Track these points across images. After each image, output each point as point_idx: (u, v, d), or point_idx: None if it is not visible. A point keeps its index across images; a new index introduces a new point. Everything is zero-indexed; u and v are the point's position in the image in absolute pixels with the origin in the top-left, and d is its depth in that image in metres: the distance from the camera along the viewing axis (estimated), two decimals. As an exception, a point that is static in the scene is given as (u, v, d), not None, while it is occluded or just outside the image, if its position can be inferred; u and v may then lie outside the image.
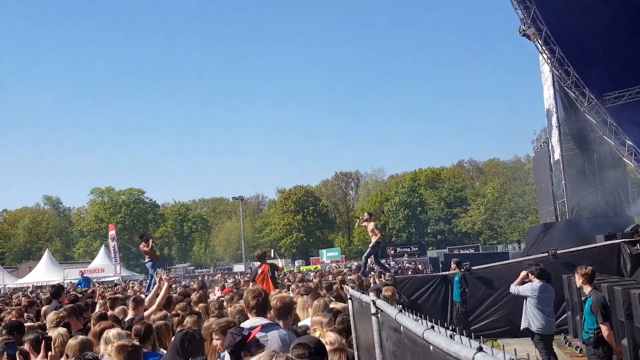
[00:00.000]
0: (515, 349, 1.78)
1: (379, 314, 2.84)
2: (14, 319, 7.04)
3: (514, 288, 8.13)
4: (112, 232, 37.43)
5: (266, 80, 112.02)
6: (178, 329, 5.08)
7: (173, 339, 4.37)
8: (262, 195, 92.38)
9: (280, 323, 4.31)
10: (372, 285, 9.58)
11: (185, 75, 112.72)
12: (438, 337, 1.60)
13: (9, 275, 44.13)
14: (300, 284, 10.74)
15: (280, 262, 13.14)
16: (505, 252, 40.37)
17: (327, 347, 3.38)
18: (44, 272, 40.15)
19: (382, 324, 2.79)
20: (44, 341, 4.17)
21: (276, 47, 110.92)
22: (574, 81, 18.09)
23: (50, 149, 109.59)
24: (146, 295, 7.88)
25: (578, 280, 7.07)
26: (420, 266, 26.46)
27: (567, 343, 10.65)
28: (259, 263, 11.11)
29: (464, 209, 65.08)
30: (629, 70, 17.75)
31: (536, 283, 7.73)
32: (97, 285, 22.53)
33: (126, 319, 6.27)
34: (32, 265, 49.64)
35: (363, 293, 3.59)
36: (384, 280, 10.86)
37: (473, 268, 12.72)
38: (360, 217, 14.53)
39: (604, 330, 6.54)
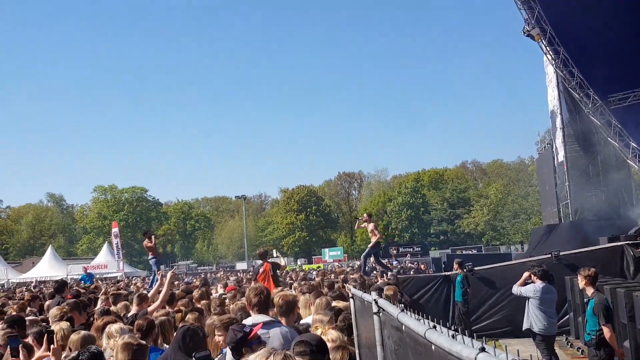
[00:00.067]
0: (518, 350, 1.78)
1: (380, 313, 2.84)
2: (14, 313, 7.09)
3: (517, 289, 8.13)
4: (115, 230, 37.49)
5: (270, 80, 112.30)
6: (180, 324, 5.10)
7: (175, 334, 4.39)
8: (265, 195, 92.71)
9: (283, 321, 4.32)
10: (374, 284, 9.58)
11: (189, 74, 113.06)
12: (440, 337, 1.59)
13: (12, 270, 44.20)
14: (302, 282, 10.78)
15: (283, 261, 13.19)
16: (508, 253, 40.41)
17: (329, 345, 3.38)
18: (48, 268, 40.21)
19: (384, 323, 2.79)
20: (46, 335, 4.20)
21: (280, 47, 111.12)
22: (579, 82, 18.00)
23: (53, 147, 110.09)
24: (148, 292, 7.95)
25: (581, 282, 7.05)
26: (422, 266, 26.41)
27: (569, 344, 10.64)
28: (261, 261, 11.16)
29: (467, 209, 64.96)
30: (634, 72, 17.65)
31: (539, 284, 7.74)
32: (101, 282, 22.60)
33: (129, 315, 6.30)
34: (36, 260, 49.69)
35: (365, 292, 3.59)
36: (386, 280, 10.86)
37: (475, 269, 12.72)
38: (360, 218, 14.55)
39: (606, 332, 6.53)
